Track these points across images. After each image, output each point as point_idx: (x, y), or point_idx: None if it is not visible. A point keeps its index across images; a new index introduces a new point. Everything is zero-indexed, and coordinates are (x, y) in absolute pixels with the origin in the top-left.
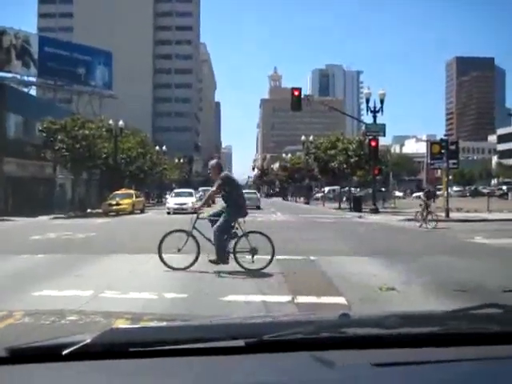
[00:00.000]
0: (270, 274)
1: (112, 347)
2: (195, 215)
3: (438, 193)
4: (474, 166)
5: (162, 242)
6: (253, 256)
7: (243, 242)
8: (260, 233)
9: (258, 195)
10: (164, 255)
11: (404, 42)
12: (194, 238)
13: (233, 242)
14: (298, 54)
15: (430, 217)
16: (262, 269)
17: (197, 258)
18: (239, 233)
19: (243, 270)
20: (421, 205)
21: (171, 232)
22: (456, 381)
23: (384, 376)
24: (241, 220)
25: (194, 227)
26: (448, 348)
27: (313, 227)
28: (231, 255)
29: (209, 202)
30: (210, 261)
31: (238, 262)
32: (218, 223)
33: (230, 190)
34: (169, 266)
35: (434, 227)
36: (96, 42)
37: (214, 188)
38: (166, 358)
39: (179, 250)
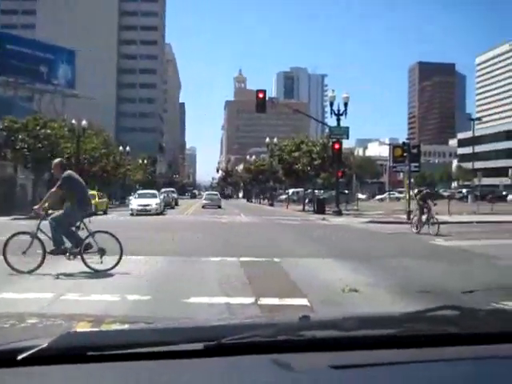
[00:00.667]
0: (234, 275)
1: (69, 351)
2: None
3: (399, 195)
4: (435, 169)
5: (6, 244)
6: (101, 256)
7: (90, 243)
8: (107, 232)
9: (219, 196)
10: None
11: (368, 47)
12: (39, 239)
13: (85, 243)
14: (264, 56)
15: (432, 220)
16: (109, 269)
17: (43, 260)
18: (85, 233)
19: (91, 270)
20: (417, 208)
21: (15, 234)
22: (414, 382)
23: (342, 378)
24: (86, 220)
25: (38, 228)
26: (406, 350)
27: (277, 229)
28: (78, 256)
29: (48, 201)
30: (49, 252)
31: (85, 263)
32: (54, 214)
33: (72, 189)
34: (15, 269)
35: (437, 233)
36: (59, 39)
37: (54, 188)
38: (123, 362)
39: (24, 253)
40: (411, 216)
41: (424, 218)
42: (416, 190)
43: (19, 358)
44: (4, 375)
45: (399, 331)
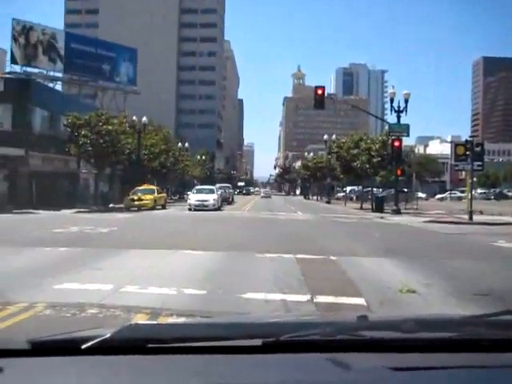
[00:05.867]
0: (290, 272)
1: (130, 343)
2: None
3: (461, 195)
4: (499, 168)
5: None
6: None
7: None
8: None
9: (270, 191)
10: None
11: (430, 41)
12: None
13: None
14: (322, 52)
15: None
16: None
17: None
18: None
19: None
20: None
21: None
22: None
23: (400, 380)
24: None
25: None
26: (465, 354)
27: (334, 227)
28: None
29: None
30: None
31: None
32: None
33: None
34: None
35: None
36: (121, 38)
37: None
38: (183, 355)
39: None
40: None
41: None
42: None
43: (83, 347)
44: (69, 363)
45: (459, 335)
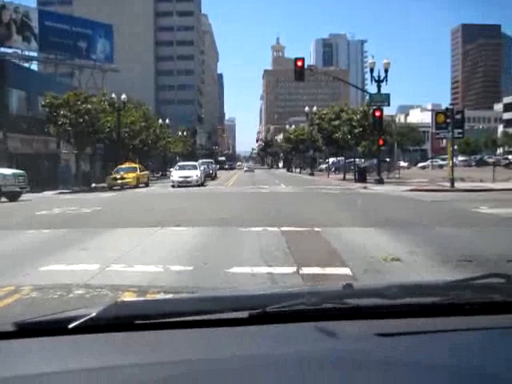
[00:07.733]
0: (276, 245)
1: (117, 320)
2: None
3: (442, 163)
4: (479, 135)
5: None
6: None
7: None
8: None
9: (253, 165)
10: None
11: (409, 9)
12: None
13: None
14: (301, 23)
15: None
16: None
17: None
18: None
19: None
20: None
21: None
22: (459, 350)
23: (387, 346)
24: None
25: None
26: (451, 318)
27: (317, 199)
28: None
29: None
30: None
31: None
32: None
33: None
34: None
35: None
36: (96, 14)
37: None
38: (170, 330)
39: None
40: None
41: None
42: None
43: (70, 326)
44: (55, 343)
45: (444, 299)
